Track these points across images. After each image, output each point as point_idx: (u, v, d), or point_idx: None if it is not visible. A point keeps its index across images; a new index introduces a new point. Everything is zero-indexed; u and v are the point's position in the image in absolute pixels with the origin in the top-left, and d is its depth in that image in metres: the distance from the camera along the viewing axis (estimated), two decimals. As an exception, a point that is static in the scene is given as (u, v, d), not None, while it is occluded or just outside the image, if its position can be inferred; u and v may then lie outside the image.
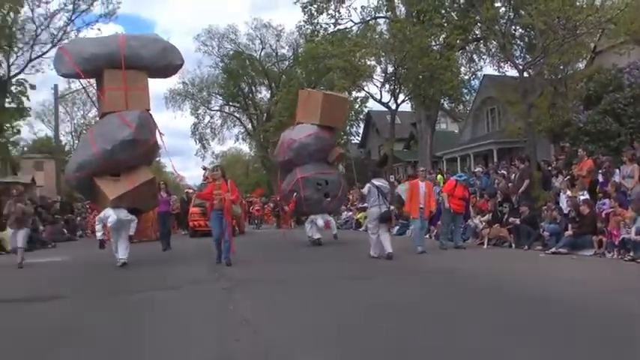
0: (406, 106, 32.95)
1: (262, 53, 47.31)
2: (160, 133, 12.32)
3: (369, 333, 5.17)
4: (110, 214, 11.03)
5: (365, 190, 11.81)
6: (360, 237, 16.56)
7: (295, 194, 14.96)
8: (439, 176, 23.56)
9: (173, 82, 47.44)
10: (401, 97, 29.98)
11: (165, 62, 12.08)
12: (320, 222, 15.15)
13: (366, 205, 13.79)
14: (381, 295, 7.39)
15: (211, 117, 50.75)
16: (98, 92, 12.18)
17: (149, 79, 12.08)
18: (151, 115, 12.16)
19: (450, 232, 13.78)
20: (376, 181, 11.59)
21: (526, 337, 4.88)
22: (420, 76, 26.32)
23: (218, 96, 50.41)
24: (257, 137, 46.62)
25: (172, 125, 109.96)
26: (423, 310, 6.23)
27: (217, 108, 51.02)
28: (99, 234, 11.57)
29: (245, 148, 61.30)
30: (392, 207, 12.66)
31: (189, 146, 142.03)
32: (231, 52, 47.30)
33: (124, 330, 5.78)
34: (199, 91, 49.14)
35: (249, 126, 50.48)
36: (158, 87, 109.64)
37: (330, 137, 15.74)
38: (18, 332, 5.88)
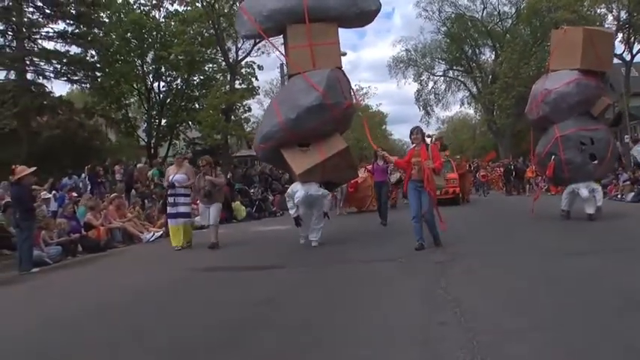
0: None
1: (484, 13, 45.82)
2: (355, 95, 10.87)
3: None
4: (298, 189, 10.09)
5: None
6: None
7: (554, 157, 12.20)
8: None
9: (396, 50, 48.17)
10: (637, 46, 27.33)
11: (357, 10, 10.45)
12: (584, 192, 11.95)
13: None
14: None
15: (435, 82, 50.66)
16: (284, 53, 11.03)
17: (340, 31, 10.60)
18: (343, 72, 10.69)
19: None
20: None
21: None
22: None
23: (441, 61, 49.98)
24: (482, 100, 45.60)
25: (397, 93, 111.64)
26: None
27: (441, 73, 50.75)
28: (292, 211, 10.43)
29: (470, 112, 60.32)
30: None
31: (413, 113, 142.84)
32: (452, 15, 46.44)
33: (327, 298, 5.91)
34: (422, 57, 49.10)
35: (474, 89, 49.45)
36: (381, 56, 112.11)
37: (596, 84, 12.44)
38: (229, 299, 6.20)
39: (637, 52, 27.75)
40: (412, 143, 9.34)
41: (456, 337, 4.19)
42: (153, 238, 13.62)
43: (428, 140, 17.86)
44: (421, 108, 50.94)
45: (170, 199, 11.64)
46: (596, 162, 12.02)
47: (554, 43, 13.46)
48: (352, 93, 10.81)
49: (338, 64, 10.51)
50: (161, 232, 14.00)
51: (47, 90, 25.61)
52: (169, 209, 11.66)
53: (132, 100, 32.79)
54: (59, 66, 25.86)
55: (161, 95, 32.26)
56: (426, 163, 8.76)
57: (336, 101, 9.96)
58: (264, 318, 5.28)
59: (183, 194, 11.53)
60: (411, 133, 9.32)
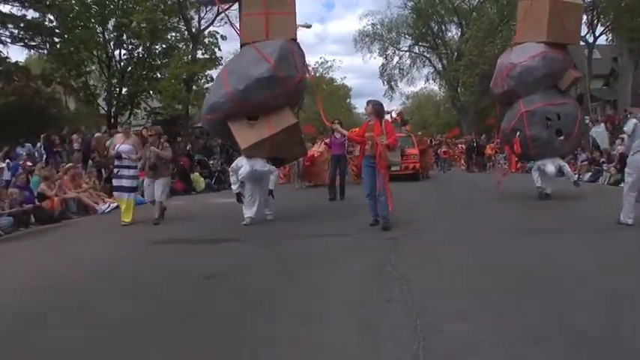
0: (604, 40, 30.37)
1: (452, -11, 45.91)
2: (308, 69, 10.29)
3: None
4: (243, 165, 9.57)
5: (629, 126, 8.28)
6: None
7: (519, 133, 11.94)
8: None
9: (362, 23, 47.87)
10: (600, 28, 27.55)
11: None
12: (550, 168, 11.84)
13: (620, 148, 11.37)
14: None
15: (400, 57, 50.61)
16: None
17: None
18: (297, 45, 10.20)
19: None
20: None
21: None
22: (623, 4, 24.14)
23: (407, 36, 49.81)
24: (447, 77, 45.79)
25: (362, 67, 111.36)
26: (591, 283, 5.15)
27: (406, 48, 50.70)
28: (234, 186, 9.99)
29: (435, 88, 60.54)
30: None
31: (377, 88, 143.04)
32: (419, -9, 46.44)
33: (277, 273, 5.96)
34: (388, 31, 48.90)
35: (439, 66, 49.62)
36: (349, 29, 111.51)
37: (563, 57, 12.09)
38: (181, 272, 6.20)
39: (600, 34, 28.07)
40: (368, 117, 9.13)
41: (399, 316, 4.20)
42: (108, 210, 13.32)
43: (388, 116, 17.72)
44: (385, 82, 50.89)
45: (115, 171, 11.13)
46: (562, 138, 11.81)
47: (521, 14, 12.98)
48: (305, 66, 10.34)
49: (293, 35, 10.15)
50: (117, 204, 13.69)
51: (2, 55, 24.78)
52: (114, 181, 11.23)
53: (92, 67, 32.02)
54: (16, 31, 24.99)
55: (122, 63, 31.46)
56: (379, 139, 8.37)
57: (288, 74, 9.54)
58: (212, 293, 5.27)
59: (128, 166, 10.79)
60: (366, 105, 9.04)
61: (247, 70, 9.43)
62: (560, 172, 12.28)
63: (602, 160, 18.78)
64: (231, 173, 10.27)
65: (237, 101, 9.42)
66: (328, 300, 4.79)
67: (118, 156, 10.75)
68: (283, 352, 3.69)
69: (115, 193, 11.21)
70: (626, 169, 8.47)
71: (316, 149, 18.80)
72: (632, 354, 3.45)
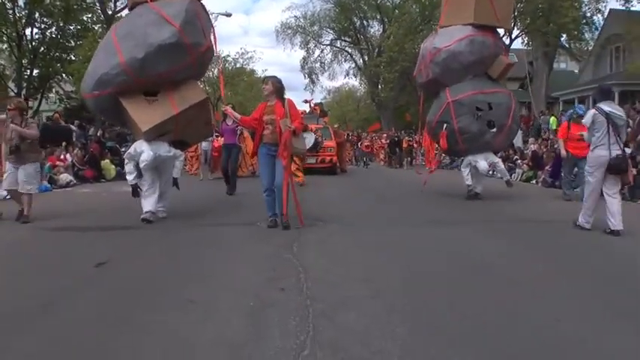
0: (520, 43, 31.42)
1: (375, -14, 46.23)
2: (213, 34, 8.79)
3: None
4: (144, 150, 7.92)
5: (588, 119, 7.36)
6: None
7: (446, 126, 10.70)
8: (552, 118, 22.61)
9: (285, 15, 47.51)
10: (515, 32, 28.37)
11: None
12: (482, 164, 10.80)
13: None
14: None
15: (321, 51, 50.61)
16: None
17: None
18: (203, 6, 8.70)
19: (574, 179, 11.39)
20: (606, 106, 7.16)
21: None
22: (539, 9, 24.86)
23: (329, 30, 49.87)
24: (367, 72, 46.11)
25: (285, 61, 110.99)
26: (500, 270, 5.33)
27: (328, 42, 50.76)
28: (130, 177, 8.16)
29: (356, 83, 60.90)
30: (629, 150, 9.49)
31: (298, 81, 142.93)
32: (343, -14, 46.51)
33: (168, 261, 5.71)
34: (311, 25, 48.76)
35: (360, 61, 49.95)
36: (269, 21, 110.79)
37: (494, 41, 10.95)
38: (71, 258, 5.76)
39: (515, 37, 28.84)
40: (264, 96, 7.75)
41: (292, 305, 4.04)
42: (9, 197, 12.39)
43: (306, 106, 17.14)
44: (306, 76, 50.72)
45: None
46: (494, 130, 10.65)
47: None
48: (212, 33, 8.77)
49: None
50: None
51: None
52: None
53: (2, 46, 30.26)
54: None
55: (34, 43, 29.86)
56: (282, 123, 7.18)
57: (195, 41, 8.02)
58: (96, 280, 4.98)
59: None
60: (263, 83, 7.87)
61: (146, 35, 7.68)
62: (492, 168, 11.51)
63: (515, 157, 19.29)
64: (126, 161, 8.31)
65: (135, 73, 7.65)
66: (218, 287, 4.58)
67: None
68: (157, 341, 3.43)
69: None
70: (586, 168, 7.48)
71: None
72: (525, 339, 3.41)
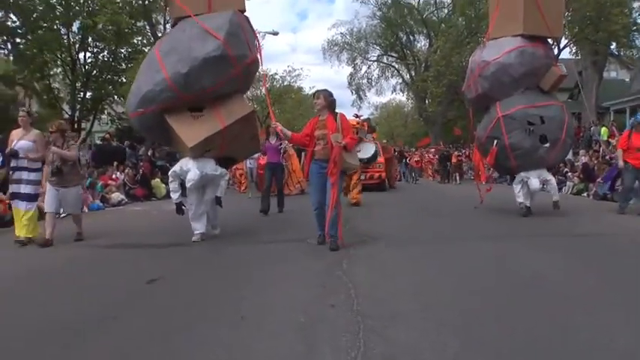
0: (568, 53, 30.80)
1: (421, 1, 46.15)
2: (259, 46, 8.64)
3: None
4: (190, 169, 7.87)
5: None
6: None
7: (496, 142, 10.29)
8: (603, 129, 22.14)
9: (331, 33, 47.88)
10: (563, 41, 27.80)
11: None
12: (534, 182, 10.31)
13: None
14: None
15: (368, 67, 50.78)
16: None
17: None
18: (247, 18, 8.48)
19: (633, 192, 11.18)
20: None
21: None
22: (587, 18, 24.40)
23: (376, 46, 50.06)
24: (415, 87, 46.01)
25: (333, 77, 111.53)
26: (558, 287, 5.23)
27: (374, 58, 50.88)
28: (175, 195, 8.23)
29: (403, 99, 60.80)
30: None
31: (346, 97, 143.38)
32: (389, 1, 46.58)
33: (220, 277, 5.75)
34: (357, 41, 49.08)
35: (407, 76, 49.88)
36: (316, 38, 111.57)
37: (545, 52, 10.53)
38: (124, 274, 5.80)
39: (564, 47, 28.40)
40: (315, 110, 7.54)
41: (342, 321, 4.06)
42: (65, 215, 12.85)
43: (354, 119, 16.57)
44: (353, 92, 51.00)
45: (11, 173, 8.81)
46: (547, 145, 10.15)
47: (492, 6, 11.36)
48: (257, 45, 8.60)
49: (241, 6, 8.45)
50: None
51: (-40, 54, 24.17)
52: (11, 187, 8.81)
53: (56, 70, 31.39)
54: (-24, 30, 24.40)
55: (87, 67, 30.92)
56: (334, 138, 6.88)
57: (240, 53, 7.85)
58: (149, 296, 5.10)
59: (28, 168, 8.56)
60: (314, 97, 7.58)
61: (190, 50, 7.61)
62: (544, 185, 10.74)
63: (565, 170, 18.91)
64: (171, 179, 8.24)
65: (179, 88, 7.58)
66: (268, 303, 4.62)
67: (14, 154, 8.54)
68: (210, 355, 3.50)
69: (13, 201, 8.86)
70: None
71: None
72: (577, 355, 3.37)
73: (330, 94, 7.42)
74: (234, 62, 7.77)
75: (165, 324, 4.14)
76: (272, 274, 5.88)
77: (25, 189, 8.55)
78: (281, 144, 12.39)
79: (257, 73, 9.29)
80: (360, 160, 7.63)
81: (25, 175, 8.55)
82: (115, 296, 5.04)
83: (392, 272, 5.84)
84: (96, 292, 5.24)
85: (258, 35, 9.00)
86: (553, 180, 11.03)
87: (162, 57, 7.78)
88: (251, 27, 8.51)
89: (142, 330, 4.00)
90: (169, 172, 8.44)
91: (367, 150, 12.84)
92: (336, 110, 7.45)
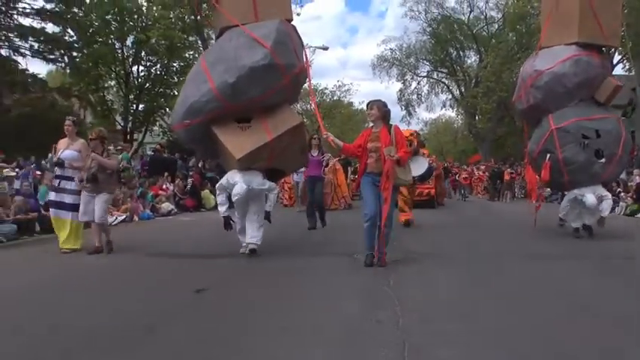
0: (621, 69, 30.07)
1: (471, 16, 45.81)
2: (306, 58, 8.40)
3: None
4: (237, 182, 7.54)
5: None
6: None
7: (549, 156, 9.70)
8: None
9: (381, 48, 47.85)
10: (617, 57, 27.21)
11: None
12: (590, 198, 9.50)
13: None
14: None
15: (418, 83, 50.53)
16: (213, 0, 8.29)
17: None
18: (294, 27, 8.28)
19: None
20: None
21: None
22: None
23: (425, 62, 49.75)
24: (464, 103, 45.56)
25: (382, 92, 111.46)
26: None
27: (424, 74, 50.62)
28: (222, 208, 7.92)
29: (452, 114, 60.25)
30: None
31: (395, 113, 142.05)
32: (438, 17, 46.40)
33: (267, 290, 5.73)
34: (407, 57, 48.88)
35: (457, 92, 49.46)
36: (366, 53, 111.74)
37: (600, 62, 9.92)
38: (169, 286, 5.85)
39: (617, 63, 27.75)
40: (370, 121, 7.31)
41: (387, 337, 4.01)
42: (115, 222, 13.18)
43: (407, 129, 16.05)
44: (403, 108, 50.65)
45: (55, 182, 8.86)
46: (603, 160, 9.55)
47: (545, 13, 10.83)
48: (305, 55, 8.36)
49: (288, 15, 8.26)
50: (124, 217, 13.71)
51: (20, 67, 25.12)
52: (53, 195, 8.89)
53: (110, 83, 32.35)
54: (36, 44, 25.34)
55: (139, 80, 31.80)
56: (387, 151, 6.64)
57: (288, 62, 7.62)
58: (196, 305, 5.13)
59: (72, 177, 8.65)
60: (367, 107, 7.25)
61: (237, 59, 7.41)
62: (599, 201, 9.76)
63: (618, 190, 18.33)
64: (218, 192, 8.08)
65: (226, 99, 7.42)
66: (315, 316, 4.61)
67: (60, 164, 8.64)
68: None
69: (52, 211, 8.88)
70: None
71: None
72: None
73: (385, 105, 7.20)
74: (283, 71, 7.55)
75: (211, 333, 4.16)
76: (317, 287, 5.88)
77: (68, 199, 8.61)
78: (323, 157, 12.20)
79: (304, 88, 9.11)
80: (414, 177, 7.31)
81: (69, 185, 8.64)
82: (163, 305, 5.11)
83: (438, 290, 5.76)
84: (143, 301, 5.32)
85: (306, 47, 8.89)
86: (609, 196, 10.19)
87: (209, 67, 7.67)
88: (299, 36, 8.31)
89: (185, 339, 4.04)
90: (217, 185, 8.28)
91: (421, 165, 12.33)
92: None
